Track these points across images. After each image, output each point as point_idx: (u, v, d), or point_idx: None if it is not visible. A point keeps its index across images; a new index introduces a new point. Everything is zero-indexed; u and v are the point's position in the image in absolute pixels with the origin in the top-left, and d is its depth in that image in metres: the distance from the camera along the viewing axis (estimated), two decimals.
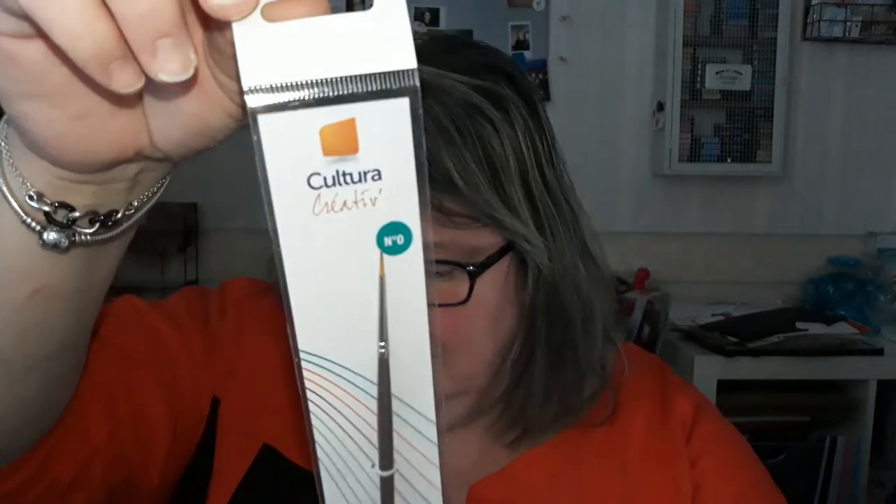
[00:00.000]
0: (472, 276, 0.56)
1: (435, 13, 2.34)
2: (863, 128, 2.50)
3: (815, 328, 2.05)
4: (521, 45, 2.38)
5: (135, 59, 0.27)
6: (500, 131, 0.55)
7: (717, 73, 2.32)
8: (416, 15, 2.34)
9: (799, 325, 2.06)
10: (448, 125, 0.53)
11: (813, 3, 2.39)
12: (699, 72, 2.33)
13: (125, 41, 0.27)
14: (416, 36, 0.62)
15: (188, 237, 2.28)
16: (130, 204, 0.35)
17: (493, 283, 0.57)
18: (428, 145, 0.52)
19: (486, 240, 0.56)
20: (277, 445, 0.64)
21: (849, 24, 2.37)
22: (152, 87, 0.30)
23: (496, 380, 0.63)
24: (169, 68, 0.27)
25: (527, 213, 0.57)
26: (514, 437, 0.65)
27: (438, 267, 0.55)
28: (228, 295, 0.69)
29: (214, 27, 0.29)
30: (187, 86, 0.31)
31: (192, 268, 2.32)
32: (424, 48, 0.57)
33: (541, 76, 2.39)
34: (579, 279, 0.61)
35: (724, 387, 1.95)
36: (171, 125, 0.32)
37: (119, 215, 0.35)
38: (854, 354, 2.00)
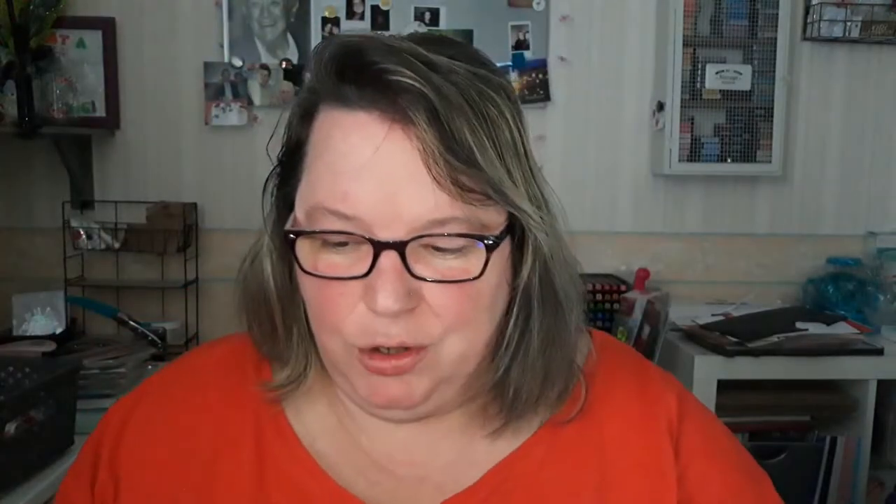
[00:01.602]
0: (489, 250, 0.57)
1: (435, 13, 2.34)
2: (863, 128, 2.50)
3: (815, 328, 2.05)
4: (521, 45, 2.38)
5: None
6: (502, 114, 0.58)
7: (717, 73, 2.32)
8: (416, 15, 2.34)
9: (799, 325, 2.06)
10: (464, 104, 0.55)
11: (813, 3, 2.39)
12: (699, 72, 2.32)
13: None
14: (408, 35, 0.63)
15: (188, 237, 2.28)
16: None
17: (496, 262, 0.59)
18: (449, 122, 0.54)
19: (493, 218, 0.58)
20: None
21: (849, 24, 2.37)
22: None
23: (488, 364, 0.63)
24: None
25: (525, 192, 0.59)
26: (499, 425, 0.65)
27: (453, 242, 0.57)
28: (99, 450, 0.69)
29: None
30: None
31: (192, 267, 2.32)
32: (403, 39, 0.59)
33: (541, 76, 2.39)
34: (566, 261, 0.63)
35: (724, 387, 1.95)
36: None
37: None
38: (854, 354, 2.00)
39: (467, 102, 0.55)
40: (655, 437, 0.66)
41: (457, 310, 0.57)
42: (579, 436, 0.66)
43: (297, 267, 0.59)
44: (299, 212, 0.60)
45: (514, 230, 0.60)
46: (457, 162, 0.54)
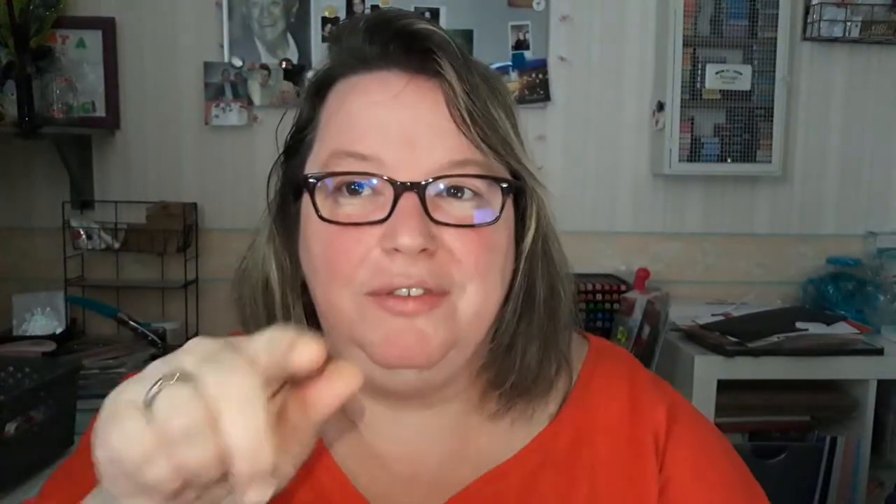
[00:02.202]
0: (505, 193, 0.60)
1: (435, 13, 2.34)
2: (863, 128, 2.50)
3: (815, 328, 2.05)
4: (521, 45, 2.38)
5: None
6: (507, 95, 0.62)
7: (717, 73, 2.32)
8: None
9: (799, 325, 2.06)
10: (484, 80, 0.60)
11: (813, 3, 2.39)
12: (699, 72, 2.32)
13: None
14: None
15: (188, 237, 2.28)
16: None
17: (506, 223, 0.61)
18: (469, 77, 0.57)
19: (502, 174, 0.61)
20: None
21: (849, 24, 2.37)
22: None
23: (495, 334, 0.64)
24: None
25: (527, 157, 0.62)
26: (499, 407, 0.65)
27: (470, 183, 0.59)
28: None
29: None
30: None
31: (192, 267, 2.32)
32: None
33: (541, 76, 2.39)
34: (560, 248, 0.66)
35: (724, 387, 1.95)
36: None
37: None
38: (854, 354, 2.01)
39: (486, 81, 0.60)
40: (641, 449, 0.66)
41: (475, 257, 0.58)
42: (573, 445, 0.66)
43: (310, 220, 0.59)
44: (313, 168, 0.61)
45: (518, 199, 0.62)
46: (476, 111, 0.57)
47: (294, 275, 0.64)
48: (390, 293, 0.57)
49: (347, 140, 0.58)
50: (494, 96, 0.60)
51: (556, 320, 0.65)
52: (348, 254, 0.57)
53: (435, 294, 0.57)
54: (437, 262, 0.57)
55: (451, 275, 0.58)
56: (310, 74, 0.65)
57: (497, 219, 0.59)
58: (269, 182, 0.65)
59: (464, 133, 0.57)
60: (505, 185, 0.59)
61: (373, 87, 0.59)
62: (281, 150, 0.65)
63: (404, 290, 0.57)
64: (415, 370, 0.59)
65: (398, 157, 0.57)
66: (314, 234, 0.60)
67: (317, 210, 0.58)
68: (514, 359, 0.64)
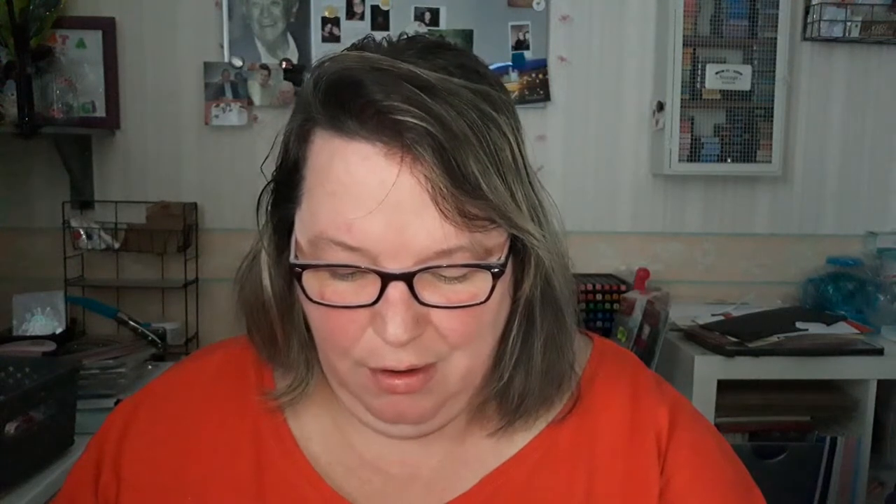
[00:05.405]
0: (496, 277, 0.57)
1: (435, 13, 2.34)
2: (863, 128, 2.50)
3: (815, 328, 2.05)
4: (521, 45, 2.38)
5: None
6: (504, 135, 0.57)
7: (717, 73, 2.32)
8: (416, 15, 2.34)
9: (799, 325, 2.06)
10: (467, 131, 0.54)
11: (813, 3, 2.39)
12: (699, 72, 2.33)
13: None
14: (388, 39, 0.62)
15: (188, 237, 2.28)
16: None
17: (502, 281, 0.58)
18: (455, 156, 0.53)
19: (495, 240, 0.57)
20: None
21: (849, 24, 2.37)
22: None
23: (491, 372, 0.63)
24: None
25: (526, 211, 0.58)
26: (500, 426, 0.65)
27: (459, 271, 0.56)
28: (103, 450, 0.70)
29: None
30: None
31: (192, 267, 2.32)
32: (398, 50, 0.57)
33: (541, 76, 2.39)
34: (565, 268, 0.63)
35: (724, 387, 1.95)
36: None
37: None
38: (854, 354, 2.00)
39: (470, 128, 0.54)
40: (643, 450, 0.66)
41: (463, 330, 0.58)
42: (573, 444, 0.66)
43: (301, 294, 0.59)
44: (301, 237, 0.59)
45: (517, 246, 0.59)
46: (464, 195, 0.54)
47: (291, 301, 0.64)
48: (384, 369, 0.58)
49: (334, 228, 0.55)
50: (489, 153, 0.55)
51: (560, 346, 0.64)
52: (343, 330, 0.58)
53: (423, 369, 0.58)
54: (425, 341, 0.57)
55: (437, 349, 0.58)
56: (304, 81, 0.61)
57: (486, 300, 0.57)
58: (258, 209, 0.64)
59: (452, 224, 0.54)
60: (495, 270, 0.57)
61: (356, 167, 0.55)
62: (270, 178, 0.64)
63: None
64: (411, 425, 0.62)
65: (386, 246, 0.54)
66: (308, 306, 0.60)
67: (306, 295, 0.58)
68: (513, 393, 0.64)
